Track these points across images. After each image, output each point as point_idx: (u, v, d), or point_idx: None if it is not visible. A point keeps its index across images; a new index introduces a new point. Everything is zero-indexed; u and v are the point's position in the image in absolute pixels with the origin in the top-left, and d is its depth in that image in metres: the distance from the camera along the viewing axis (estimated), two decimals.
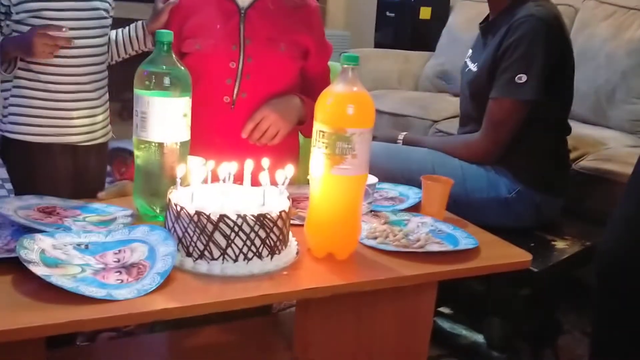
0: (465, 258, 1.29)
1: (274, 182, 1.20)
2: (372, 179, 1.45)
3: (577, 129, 2.02)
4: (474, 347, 1.94)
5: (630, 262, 1.51)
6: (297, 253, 1.22)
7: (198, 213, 1.10)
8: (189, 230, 1.12)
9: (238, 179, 1.25)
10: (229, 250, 1.11)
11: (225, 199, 1.14)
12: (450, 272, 1.25)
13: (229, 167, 1.24)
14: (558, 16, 1.81)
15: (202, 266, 1.12)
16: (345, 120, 1.15)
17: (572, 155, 2.09)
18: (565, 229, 1.92)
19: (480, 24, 1.96)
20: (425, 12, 3.95)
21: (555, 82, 1.79)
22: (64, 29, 1.47)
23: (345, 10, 4.73)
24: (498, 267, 1.33)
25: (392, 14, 4.06)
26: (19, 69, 1.55)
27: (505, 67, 1.76)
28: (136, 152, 1.31)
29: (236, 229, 1.10)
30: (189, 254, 1.13)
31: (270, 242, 1.14)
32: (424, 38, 3.85)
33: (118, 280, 1.05)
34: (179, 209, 1.13)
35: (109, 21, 1.66)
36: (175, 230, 1.14)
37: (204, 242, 1.11)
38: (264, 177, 1.19)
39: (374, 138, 1.43)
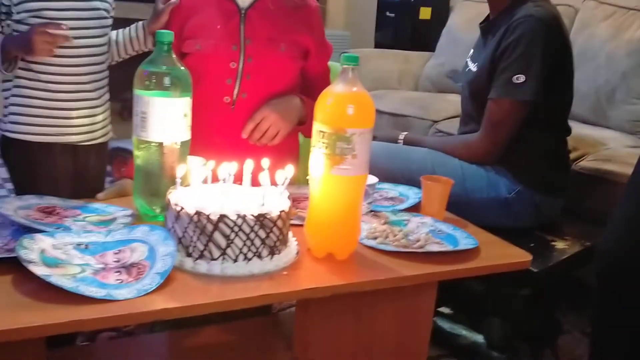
0: (465, 258, 1.29)
1: (273, 182, 1.20)
2: (372, 179, 1.45)
3: (577, 129, 2.02)
4: (474, 347, 1.94)
5: (630, 262, 1.51)
6: (297, 253, 1.22)
7: (198, 213, 1.10)
8: (188, 230, 1.12)
9: (238, 179, 1.25)
10: (229, 251, 1.11)
11: (225, 199, 1.14)
12: (450, 272, 1.25)
13: (228, 167, 1.24)
14: (557, 16, 1.81)
15: (202, 266, 1.12)
16: (345, 121, 1.15)
17: (572, 156, 2.10)
18: (565, 229, 1.92)
19: (481, 24, 1.96)
20: (425, 12, 3.95)
21: (554, 83, 1.79)
22: (63, 26, 1.47)
23: (345, 10, 4.73)
24: (498, 267, 1.32)
25: (392, 14, 4.07)
26: (20, 68, 1.55)
27: (504, 67, 1.76)
28: (136, 152, 1.31)
29: (236, 229, 1.10)
30: (188, 254, 1.13)
31: (270, 242, 1.14)
32: (424, 38, 3.85)
33: (118, 280, 1.05)
34: (178, 209, 1.13)
35: (110, 21, 1.66)
36: (175, 230, 1.14)
37: (204, 242, 1.11)
38: (263, 177, 1.19)
39: (375, 138, 1.43)
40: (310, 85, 1.68)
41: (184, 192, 1.17)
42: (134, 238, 1.17)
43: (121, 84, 1.87)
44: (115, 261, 1.11)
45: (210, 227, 1.10)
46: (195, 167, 1.27)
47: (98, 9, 1.60)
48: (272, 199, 1.17)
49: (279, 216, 1.14)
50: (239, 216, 1.10)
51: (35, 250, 1.06)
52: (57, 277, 1.00)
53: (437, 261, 1.26)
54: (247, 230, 1.11)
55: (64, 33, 1.47)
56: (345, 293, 1.19)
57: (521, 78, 1.73)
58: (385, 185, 1.66)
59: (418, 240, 1.31)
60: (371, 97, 1.20)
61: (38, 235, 1.11)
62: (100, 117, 1.65)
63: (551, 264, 1.72)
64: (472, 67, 1.91)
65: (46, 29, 1.45)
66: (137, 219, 1.32)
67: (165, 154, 1.29)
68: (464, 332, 1.99)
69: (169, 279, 1.07)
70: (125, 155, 1.61)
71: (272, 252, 1.15)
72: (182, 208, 1.12)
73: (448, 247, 1.31)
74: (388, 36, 4.08)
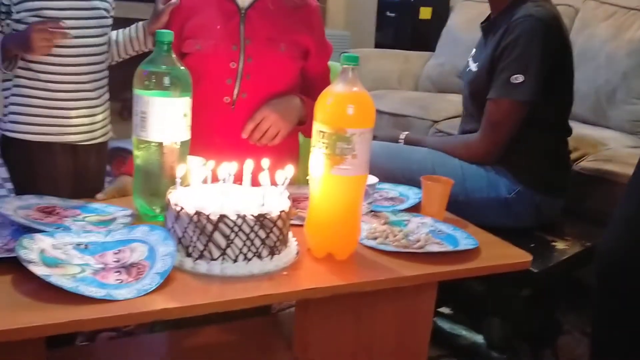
0: (466, 258, 1.29)
1: (273, 182, 1.20)
2: (372, 179, 1.45)
3: (578, 129, 2.02)
4: (474, 348, 1.93)
5: (630, 262, 1.51)
6: (297, 253, 1.22)
7: (198, 213, 1.10)
8: (188, 230, 1.12)
9: (238, 179, 1.25)
10: (229, 251, 1.11)
11: (225, 199, 1.14)
12: (450, 272, 1.25)
13: (228, 167, 1.24)
14: (557, 16, 1.81)
15: (202, 266, 1.12)
16: (345, 121, 1.15)
17: (573, 156, 2.09)
18: (566, 229, 1.92)
19: (482, 23, 1.96)
20: (425, 12, 3.95)
21: (554, 83, 1.79)
22: (61, 24, 1.46)
23: (346, 10, 4.73)
24: (498, 267, 1.32)
25: (393, 14, 4.07)
26: (19, 68, 1.55)
27: (503, 67, 1.76)
28: (136, 152, 1.31)
29: (236, 229, 1.10)
30: (188, 254, 1.13)
31: (270, 242, 1.14)
32: (424, 38, 3.85)
33: (118, 280, 1.05)
34: (178, 209, 1.12)
35: (109, 21, 1.66)
36: (174, 230, 1.14)
37: (204, 242, 1.11)
38: (263, 177, 1.19)
39: (376, 138, 1.43)
40: (311, 85, 1.68)
41: (184, 192, 1.17)
42: (133, 238, 1.17)
43: (121, 84, 1.87)
44: (115, 261, 1.11)
45: (210, 227, 1.10)
46: (195, 167, 1.27)
47: (98, 8, 1.60)
48: (272, 199, 1.17)
49: (279, 216, 1.14)
50: (238, 216, 1.10)
51: (35, 250, 1.06)
52: (56, 277, 1.00)
53: (437, 261, 1.26)
54: (247, 230, 1.11)
55: (62, 30, 1.46)
56: (345, 293, 1.19)
57: (520, 78, 1.73)
58: (386, 186, 1.66)
59: (418, 241, 1.31)
60: (371, 97, 1.20)
61: (38, 235, 1.11)
62: (100, 117, 1.65)
63: (551, 265, 1.72)
64: (473, 66, 1.91)
65: (44, 26, 1.45)
66: (137, 219, 1.32)
67: (165, 154, 1.29)
68: (464, 332, 1.99)
69: (168, 279, 1.06)
70: (125, 155, 1.61)
71: (272, 252, 1.15)
72: (182, 208, 1.12)
73: (448, 248, 1.30)
74: (388, 36, 4.08)
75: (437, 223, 1.43)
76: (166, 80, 1.27)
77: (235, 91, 1.60)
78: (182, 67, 1.30)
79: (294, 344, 1.31)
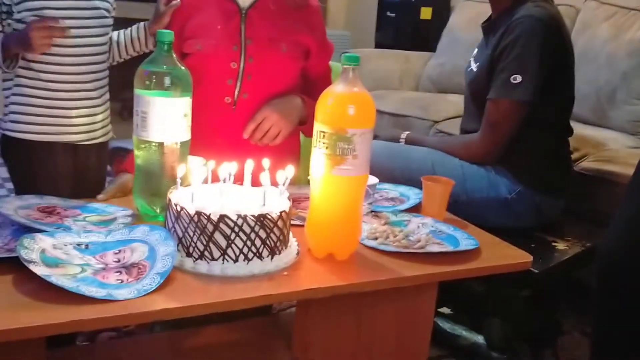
0: (466, 259, 1.29)
1: (274, 183, 1.20)
2: (373, 180, 1.45)
3: (578, 129, 2.02)
4: (474, 348, 1.93)
5: (630, 262, 1.52)
6: (298, 253, 1.22)
7: (198, 213, 1.10)
8: (189, 230, 1.12)
9: (238, 179, 1.25)
10: (229, 251, 1.11)
11: (226, 199, 1.14)
12: (450, 272, 1.25)
13: (229, 167, 1.24)
14: (556, 17, 1.81)
15: (202, 266, 1.12)
16: (346, 121, 1.15)
17: (573, 156, 2.09)
18: (566, 230, 1.92)
19: (483, 23, 1.96)
20: (426, 12, 3.95)
21: (554, 83, 1.79)
22: (60, 21, 1.46)
23: (346, 10, 4.73)
24: (498, 268, 1.32)
25: (393, 14, 4.07)
26: (20, 67, 1.55)
27: (503, 67, 1.77)
28: (136, 152, 1.31)
29: (236, 229, 1.10)
30: (189, 254, 1.13)
31: (270, 243, 1.14)
32: (424, 38, 3.85)
33: (118, 280, 1.05)
34: (179, 209, 1.12)
35: (110, 21, 1.66)
36: (175, 231, 1.14)
37: (204, 242, 1.11)
38: (264, 177, 1.19)
39: (377, 137, 1.43)
40: (312, 85, 1.68)
41: (185, 192, 1.17)
42: (134, 238, 1.17)
43: (121, 84, 1.87)
44: (115, 261, 1.11)
45: (210, 227, 1.10)
46: (196, 167, 1.27)
47: (98, 8, 1.60)
48: (273, 199, 1.17)
49: (280, 216, 1.14)
50: (239, 216, 1.10)
51: (35, 250, 1.06)
52: (57, 277, 1.00)
53: (438, 262, 1.26)
54: (248, 230, 1.11)
55: (61, 27, 1.46)
56: (345, 293, 1.19)
57: (519, 78, 1.73)
58: (386, 186, 1.66)
59: (419, 241, 1.31)
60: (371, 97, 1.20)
61: (38, 235, 1.11)
62: (100, 117, 1.65)
63: (552, 265, 1.72)
64: (474, 66, 1.91)
65: (43, 24, 1.45)
66: (137, 219, 1.32)
67: (166, 154, 1.29)
68: (464, 332, 1.99)
69: (169, 279, 1.06)
70: (125, 155, 1.61)
71: (273, 253, 1.15)
72: (183, 208, 1.12)
73: (449, 248, 1.30)
74: (389, 36, 4.07)
75: (438, 223, 1.43)
76: (167, 80, 1.27)
77: (236, 91, 1.60)
78: (183, 67, 1.30)
79: (294, 344, 1.31)
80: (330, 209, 1.21)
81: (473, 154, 1.84)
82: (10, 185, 1.67)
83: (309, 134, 1.61)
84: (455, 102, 2.98)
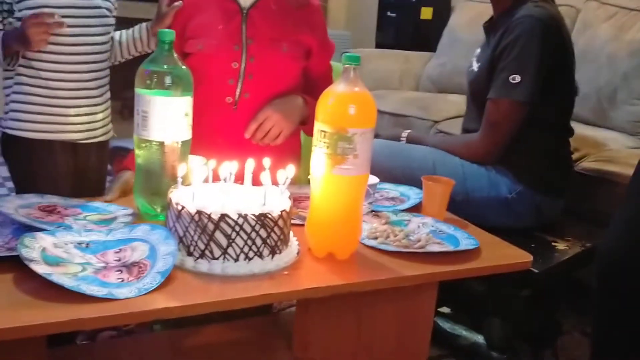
0: (466, 259, 1.29)
1: (275, 182, 1.20)
2: (373, 179, 1.45)
3: (578, 130, 2.02)
4: (474, 348, 1.93)
5: (630, 262, 1.52)
6: (298, 253, 1.22)
7: (199, 212, 1.10)
8: (189, 229, 1.12)
9: (239, 178, 1.25)
10: (230, 250, 1.11)
11: (227, 199, 1.14)
12: (450, 272, 1.25)
13: (230, 167, 1.24)
14: (556, 17, 1.81)
15: (203, 265, 1.12)
16: (346, 120, 1.15)
17: (573, 157, 2.10)
18: (566, 230, 1.92)
19: (484, 24, 1.96)
20: (426, 12, 3.95)
21: (554, 83, 1.79)
22: (55, 15, 1.46)
23: (347, 10, 4.73)
24: (499, 268, 1.32)
25: (393, 14, 4.07)
26: (20, 65, 1.55)
27: (503, 67, 1.77)
28: (137, 151, 1.31)
29: (237, 228, 1.10)
30: (189, 254, 1.13)
31: (271, 242, 1.14)
32: (425, 38, 3.85)
33: (119, 279, 1.05)
34: (180, 208, 1.13)
35: (112, 20, 1.66)
36: (176, 230, 1.14)
37: (205, 241, 1.11)
38: (265, 176, 1.19)
39: (378, 136, 1.43)
40: (313, 84, 1.68)
41: (185, 191, 1.17)
42: (134, 237, 1.17)
43: (122, 83, 1.87)
44: (116, 260, 1.11)
45: (211, 227, 1.10)
46: (196, 166, 1.27)
47: (99, 7, 1.60)
48: (274, 199, 1.17)
49: (280, 216, 1.14)
50: (240, 215, 1.10)
51: (36, 249, 1.06)
52: (58, 276, 1.00)
53: (438, 261, 1.26)
54: (249, 229, 1.11)
55: (56, 20, 1.46)
56: (345, 293, 1.19)
57: (518, 78, 1.73)
58: (386, 186, 1.66)
59: (419, 241, 1.31)
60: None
61: (39, 234, 1.11)
62: (100, 116, 1.65)
63: (552, 265, 1.72)
64: (475, 66, 1.91)
65: (39, 19, 1.45)
66: (138, 218, 1.32)
67: (166, 153, 1.29)
68: (464, 332, 1.99)
69: (169, 278, 1.07)
70: (125, 154, 1.61)
71: (273, 252, 1.15)
72: (184, 207, 1.12)
73: (449, 248, 1.31)
74: (389, 36, 4.08)
75: (438, 223, 1.43)
76: (167, 80, 1.27)
77: (238, 91, 1.60)
78: (184, 67, 1.30)
79: (294, 343, 1.31)
80: (331, 208, 1.21)
81: (473, 153, 1.84)
82: (10, 184, 1.67)
83: (310, 133, 1.61)
84: (456, 102, 2.98)
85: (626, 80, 2.64)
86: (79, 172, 1.64)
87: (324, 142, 1.16)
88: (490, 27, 1.92)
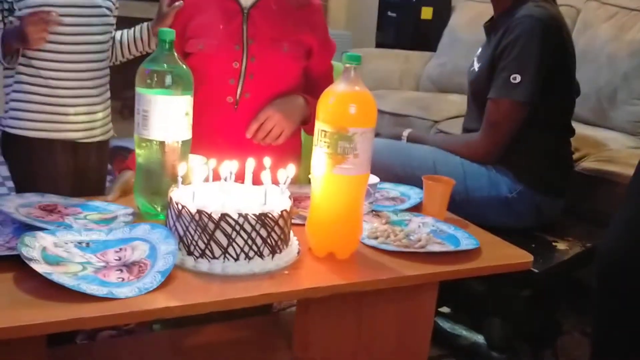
0: (467, 258, 1.29)
1: (275, 181, 1.20)
2: (374, 179, 1.45)
3: (579, 130, 2.02)
4: (474, 348, 1.94)
5: (631, 262, 1.52)
6: (298, 252, 1.22)
7: (199, 212, 1.10)
8: (190, 229, 1.12)
9: (239, 178, 1.25)
10: (230, 249, 1.11)
11: (227, 198, 1.14)
12: (451, 272, 1.25)
13: (230, 166, 1.24)
14: (556, 17, 1.81)
15: (203, 265, 1.12)
16: (347, 120, 1.15)
17: (573, 157, 2.10)
18: (567, 230, 1.92)
19: (485, 23, 1.96)
20: (426, 12, 3.95)
21: (555, 83, 1.79)
22: (52, 12, 1.46)
23: (347, 9, 4.73)
24: (499, 267, 1.32)
25: (394, 14, 4.06)
26: (21, 64, 1.55)
27: (503, 67, 1.77)
28: (138, 151, 1.31)
29: (237, 228, 1.10)
30: (190, 253, 1.13)
31: (271, 242, 1.14)
32: (425, 38, 3.85)
33: (119, 278, 1.05)
34: (180, 207, 1.12)
35: (112, 20, 1.66)
36: (176, 229, 1.14)
37: (205, 240, 1.11)
38: (265, 176, 1.19)
39: (378, 135, 1.42)
40: (314, 84, 1.68)
41: (186, 191, 1.17)
42: (135, 236, 1.17)
43: (122, 83, 1.87)
44: (116, 259, 1.11)
45: (211, 226, 1.10)
46: (197, 165, 1.27)
47: (100, 6, 1.60)
48: (274, 198, 1.17)
49: (281, 215, 1.14)
50: (240, 215, 1.10)
51: (36, 248, 1.06)
52: (58, 275, 1.00)
53: (438, 261, 1.26)
54: (249, 229, 1.11)
55: (54, 18, 1.46)
56: (346, 293, 1.19)
57: (518, 78, 1.74)
58: (387, 185, 1.66)
59: (419, 240, 1.31)
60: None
61: (39, 233, 1.11)
62: (100, 115, 1.65)
63: (552, 265, 1.72)
64: (476, 66, 1.91)
65: (36, 17, 1.44)
66: (138, 217, 1.32)
67: (167, 153, 1.29)
68: (464, 332, 1.99)
69: (170, 277, 1.06)
70: (125, 154, 1.61)
71: (274, 251, 1.15)
72: (184, 206, 1.12)
73: (449, 248, 1.30)
74: (389, 36, 4.07)
75: (438, 223, 1.43)
76: (168, 79, 1.27)
77: (238, 91, 1.60)
78: (184, 66, 1.30)
79: (294, 343, 1.31)
80: (331, 208, 1.21)
81: (474, 153, 1.84)
82: (10, 183, 1.68)
83: (312, 133, 1.61)
84: (456, 102, 2.98)
85: (626, 80, 2.64)
86: (79, 172, 1.64)
87: (325, 142, 1.16)
88: (490, 27, 1.92)
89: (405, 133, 2.04)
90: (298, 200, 1.46)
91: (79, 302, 0.97)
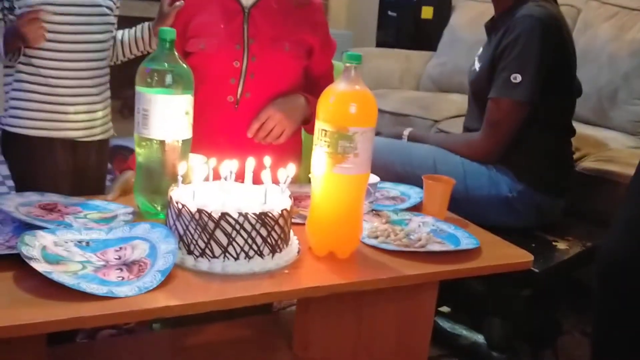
0: (467, 258, 1.28)
1: (275, 181, 1.20)
2: (374, 178, 1.45)
3: (579, 129, 2.03)
4: (474, 348, 1.93)
5: (631, 262, 1.52)
6: (298, 252, 1.22)
7: (199, 211, 1.10)
8: (190, 228, 1.12)
9: (239, 177, 1.25)
10: (230, 249, 1.11)
11: (227, 197, 1.14)
12: (451, 272, 1.25)
13: (230, 165, 1.24)
14: (557, 16, 1.81)
15: (203, 264, 1.12)
16: (347, 119, 1.15)
17: (574, 156, 2.10)
18: (567, 229, 1.92)
19: (486, 23, 1.96)
20: (427, 12, 3.95)
21: (555, 83, 1.79)
22: (41, 11, 1.46)
23: (347, 9, 4.73)
24: (499, 267, 1.32)
25: (394, 14, 4.07)
26: (21, 63, 1.55)
27: (503, 66, 1.77)
28: (138, 150, 1.31)
29: (238, 227, 1.10)
30: (190, 252, 1.13)
31: (271, 241, 1.14)
32: (425, 37, 3.85)
33: (119, 277, 1.05)
34: (180, 206, 1.12)
35: (113, 19, 1.66)
36: (176, 228, 1.14)
37: (205, 240, 1.11)
38: (265, 175, 1.18)
39: (379, 134, 1.42)
40: (315, 83, 1.68)
41: (186, 190, 1.17)
42: (135, 235, 1.17)
43: (122, 82, 1.87)
44: (116, 258, 1.11)
45: (211, 225, 1.10)
46: (197, 164, 1.27)
47: (100, 5, 1.60)
48: (274, 198, 1.17)
49: (281, 214, 1.14)
50: (240, 214, 1.10)
51: (36, 247, 1.06)
52: (58, 274, 1.00)
53: (439, 261, 1.26)
54: (249, 228, 1.11)
55: (44, 17, 1.46)
56: (346, 292, 1.19)
57: (518, 77, 1.74)
58: (387, 185, 1.66)
59: (419, 240, 1.31)
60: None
61: (39, 232, 1.11)
62: (100, 114, 1.65)
63: (552, 265, 1.72)
64: (477, 66, 1.91)
65: (32, 16, 1.44)
66: (138, 216, 1.31)
67: (167, 152, 1.29)
68: (464, 332, 1.99)
69: (170, 276, 1.06)
70: (125, 153, 1.61)
71: (274, 251, 1.15)
72: (184, 206, 1.12)
73: (449, 247, 1.30)
74: (390, 35, 4.08)
75: (439, 222, 1.43)
76: (168, 78, 1.27)
77: (239, 90, 1.60)
78: (185, 65, 1.30)
79: (294, 342, 1.31)
80: (331, 207, 1.21)
81: (474, 152, 1.84)
82: (10, 182, 1.68)
83: (312, 132, 1.61)
84: (456, 102, 2.98)
85: (627, 80, 2.64)
86: (79, 171, 1.64)
87: (325, 141, 1.16)
88: (491, 26, 1.92)
89: (406, 132, 2.04)
90: (298, 199, 1.46)
91: (79, 301, 0.97)
